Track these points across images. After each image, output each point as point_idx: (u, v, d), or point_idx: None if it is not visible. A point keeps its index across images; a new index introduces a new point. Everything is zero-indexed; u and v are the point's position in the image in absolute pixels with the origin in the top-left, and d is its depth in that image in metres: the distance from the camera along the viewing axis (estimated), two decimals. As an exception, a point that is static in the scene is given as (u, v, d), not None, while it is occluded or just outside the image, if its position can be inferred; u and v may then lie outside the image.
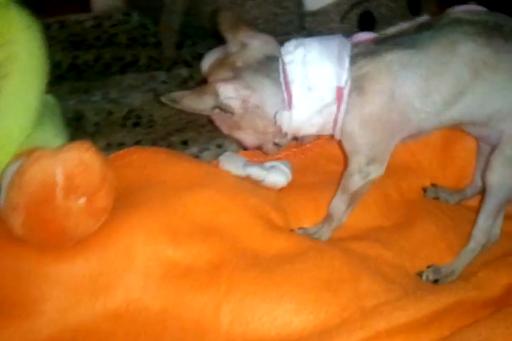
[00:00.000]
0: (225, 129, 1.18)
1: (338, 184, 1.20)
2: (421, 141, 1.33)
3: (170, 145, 1.45)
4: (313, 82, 1.05)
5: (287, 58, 1.08)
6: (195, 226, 1.12)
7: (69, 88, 1.70)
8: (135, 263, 1.05)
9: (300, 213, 1.25)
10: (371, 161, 1.10)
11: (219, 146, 1.44)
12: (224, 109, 1.08)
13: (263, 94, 1.08)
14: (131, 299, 1.03)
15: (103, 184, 0.99)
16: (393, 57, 1.03)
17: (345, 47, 1.07)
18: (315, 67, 1.06)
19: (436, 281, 1.15)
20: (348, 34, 1.73)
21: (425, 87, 1.04)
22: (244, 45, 1.11)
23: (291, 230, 1.21)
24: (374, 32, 1.19)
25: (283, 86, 1.07)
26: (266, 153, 1.25)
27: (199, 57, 1.76)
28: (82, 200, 0.98)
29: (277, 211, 1.21)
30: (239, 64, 1.09)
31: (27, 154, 0.98)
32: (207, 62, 1.69)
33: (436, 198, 1.36)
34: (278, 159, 1.34)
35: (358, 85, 1.04)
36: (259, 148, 1.23)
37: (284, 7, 1.79)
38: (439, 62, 1.03)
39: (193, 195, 1.16)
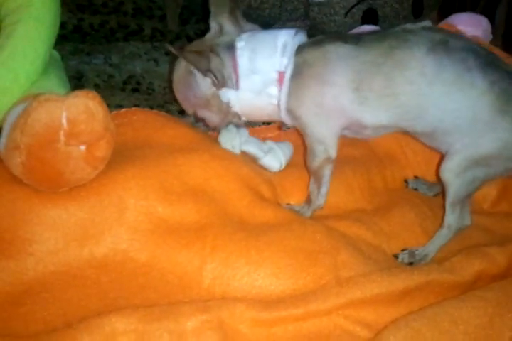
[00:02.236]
0: (191, 106, 1.26)
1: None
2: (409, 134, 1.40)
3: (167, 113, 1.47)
4: (256, 66, 1.18)
5: (239, 44, 1.20)
6: (186, 187, 1.15)
7: (72, 48, 1.71)
8: (125, 215, 1.07)
9: (288, 189, 1.29)
10: (318, 143, 1.18)
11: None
12: (215, 75, 1.18)
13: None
14: (118, 249, 1.05)
15: (104, 134, 1.01)
16: (331, 48, 1.14)
17: (292, 38, 1.18)
18: (260, 52, 1.18)
19: (410, 264, 1.20)
20: (350, 28, 1.78)
21: (357, 80, 1.11)
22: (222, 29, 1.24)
23: (279, 204, 1.25)
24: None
25: (232, 72, 1.19)
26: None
27: (202, 34, 1.80)
28: (82, 147, 1.00)
29: (267, 184, 1.24)
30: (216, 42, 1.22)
31: (33, 98, 1.00)
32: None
33: (417, 189, 1.41)
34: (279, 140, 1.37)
35: (298, 70, 1.15)
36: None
37: (290, -5, 1.82)
38: (374, 61, 1.10)
39: (187, 158, 1.19)
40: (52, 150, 0.97)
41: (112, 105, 1.46)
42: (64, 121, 0.96)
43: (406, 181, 1.42)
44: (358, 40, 1.15)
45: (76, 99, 0.97)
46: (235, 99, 1.21)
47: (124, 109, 1.28)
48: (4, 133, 1.03)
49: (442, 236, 1.22)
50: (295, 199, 1.28)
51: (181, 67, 1.22)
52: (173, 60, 1.30)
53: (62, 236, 1.03)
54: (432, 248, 1.22)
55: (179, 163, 1.17)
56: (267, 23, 1.23)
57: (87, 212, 1.05)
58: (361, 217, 1.27)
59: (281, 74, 1.16)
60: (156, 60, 1.74)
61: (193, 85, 1.21)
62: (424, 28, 1.14)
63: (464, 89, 1.09)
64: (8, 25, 1.12)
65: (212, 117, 1.26)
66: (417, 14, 1.88)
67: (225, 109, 1.24)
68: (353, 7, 1.78)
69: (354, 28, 1.73)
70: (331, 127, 1.18)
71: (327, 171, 1.22)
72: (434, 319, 1.00)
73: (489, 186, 1.32)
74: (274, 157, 1.29)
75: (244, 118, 1.28)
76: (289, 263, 1.08)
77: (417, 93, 1.10)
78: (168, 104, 1.54)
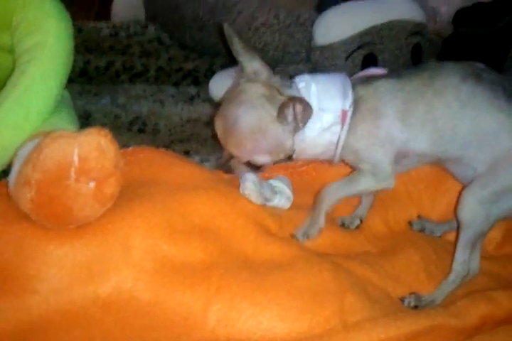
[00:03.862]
0: (253, 153, 1.22)
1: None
2: (414, 172, 1.41)
3: (172, 154, 1.49)
4: (324, 104, 1.21)
5: (301, 85, 1.23)
6: (192, 226, 1.15)
7: (79, 89, 1.75)
8: (131, 254, 1.06)
9: (295, 220, 1.29)
10: (379, 169, 1.24)
11: (220, 158, 1.49)
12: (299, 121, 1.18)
13: None
14: (122, 288, 1.04)
15: (115, 171, 1.02)
16: (380, 84, 1.25)
17: (346, 79, 1.26)
18: (325, 92, 1.23)
19: (416, 307, 1.19)
20: (351, 71, 1.83)
21: (403, 109, 1.22)
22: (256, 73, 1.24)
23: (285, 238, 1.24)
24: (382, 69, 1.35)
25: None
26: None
27: (210, 75, 1.85)
28: (92, 184, 1.00)
29: (273, 218, 1.25)
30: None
31: (45, 134, 1.01)
32: (216, 84, 1.78)
33: (422, 230, 1.42)
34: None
35: (355, 107, 1.22)
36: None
37: (295, 38, 1.88)
38: (417, 90, 1.22)
39: (193, 196, 1.19)
40: (63, 187, 0.97)
41: (119, 145, 1.48)
42: (75, 158, 0.96)
43: (410, 223, 1.42)
44: (398, 75, 1.26)
45: (88, 137, 0.99)
46: (301, 136, 1.21)
47: (131, 147, 1.29)
48: (15, 168, 1.04)
49: (449, 283, 1.22)
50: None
51: (267, 117, 1.18)
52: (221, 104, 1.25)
53: (68, 274, 1.02)
54: (439, 294, 1.21)
55: (185, 201, 1.17)
56: (270, 65, 1.26)
57: (93, 251, 1.04)
58: (367, 259, 1.27)
59: (343, 113, 1.21)
60: (161, 102, 1.78)
61: (279, 134, 1.19)
62: (455, 62, 1.26)
63: (490, 113, 1.19)
64: (23, 64, 1.14)
65: (269, 161, 1.25)
66: (416, 60, 1.94)
67: (287, 152, 1.24)
68: (354, 51, 1.83)
69: (355, 71, 1.77)
70: (386, 155, 1.24)
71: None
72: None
73: (494, 229, 1.32)
74: (284, 196, 1.31)
75: (294, 157, 1.28)
76: (295, 305, 1.07)
77: (452, 117, 1.20)
78: (174, 145, 1.56)
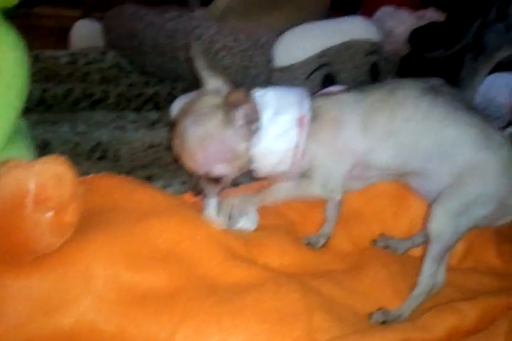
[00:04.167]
0: (209, 163, 1.20)
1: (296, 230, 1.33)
2: (377, 189, 1.43)
3: (134, 180, 1.47)
4: (280, 109, 1.23)
5: (258, 93, 1.24)
6: (155, 252, 1.13)
7: (37, 118, 1.72)
8: (92, 285, 1.04)
9: (264, 248, 1.28)
10: (324, 181, 1.25)
11: (183, 183, 1.48)
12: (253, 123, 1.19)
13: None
14: (85, 319, 1.01)
15: (73, 200, 1.00)
16: (341, 95, 1.28)
17: (304, 90, 1.29)
18: (281, 98, 1.25)
19: (384, 322, 1.19)
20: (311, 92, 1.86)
21: (365, 120, 1.24)
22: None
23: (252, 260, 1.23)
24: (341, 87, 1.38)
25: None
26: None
27: (171, 100, 1.85)
28: (50, 214, 0.98)
29: (239, 240, 1.24)
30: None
31: (1, 164, 0.99)
32: (177, 108, 1.78)
33: (386, 247, 1.43)
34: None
35: (315, 115, 1.24)
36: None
37: (255, 61, 1.91)
38: (379, 102, 1.24)
39: (156, 222, 1.18)
40: (19, 217, 0.95)
41: (79, 173, 1.46)
42: (32, 186, 0.95)
43: (374, 241, 1.44)
44: (360, 88, 1.29)
45: (45, 165, 0.97)
46: (256, 142, 1.20)
47: (91, 175, 1.27)
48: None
49: (416, 296, 1.22)
50: (272, 257, 1.27)
51: (212, 122, 1.17)
52: (176, 120, 1.23)
53: (27, 308, 0.99)
54: (406, 308, 1.22)
55: (148, 228, 1.16)
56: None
57: (53, 283, 1.02)
58: (335, 276, 1.27)
59: (301, 118, 1.22)
60: (122, 128, 1.76)
61: (228, 139, 1.18)
62: (414, 78, 1.29)
63: (452, 125, 1.21)
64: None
65: (227, 173, 1.22)
66: (374, 79, 1.98)
67: (245, 160, 1.22)
68: (313, 72, 1.87)
69: (315, 91, 1.81)
70: (341, 167, 1.25)
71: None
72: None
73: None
74: (249, 219, 1.30)
75: (251, 166, 1.26)
76: (263, 328, 1.06)
77: (413, 129, 1.22)
78: (136, 171, 1.54)
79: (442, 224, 1.19)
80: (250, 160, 1.22)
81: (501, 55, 1.75)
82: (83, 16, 2.96)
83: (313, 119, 1.23)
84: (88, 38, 2.33)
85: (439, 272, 1.25)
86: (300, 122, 1.22)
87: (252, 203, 1.28)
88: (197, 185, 1.24)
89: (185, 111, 1.21)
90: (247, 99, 1.15)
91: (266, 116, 1.20)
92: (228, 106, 1.15)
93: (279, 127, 1.21)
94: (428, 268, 1.21)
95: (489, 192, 1.18)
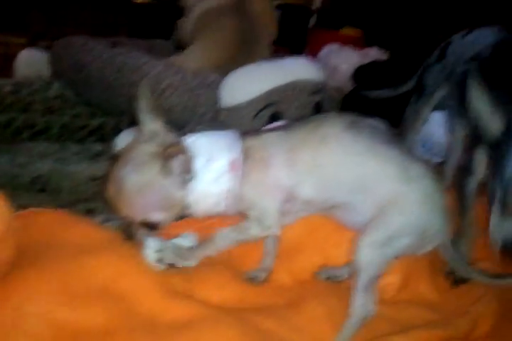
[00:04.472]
0: (147, 211, 1.22)
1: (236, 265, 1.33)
2: (319, 219, 1.44)
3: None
4: (212, 155, 1.26)
5: (189, 140, 1.28)
6: (92, 289, 1.12)
7: (-26, 150, 1.68)
8: (25, 323, 1.02)
9: (203, 283, 1.29)
10: (260, 219, 1.28)
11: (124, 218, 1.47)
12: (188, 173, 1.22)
13: None
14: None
15: (7, 235, 0.98)
16: (267, 135, 1.33)
17: (235, 133, 1.33)
18: (212, 143, 1.29)
19: (322, 358, 1.20)
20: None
21: (290, 157, 1.28)
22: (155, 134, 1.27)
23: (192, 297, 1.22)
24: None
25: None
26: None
27: (116, 132, 1.85)
28: (-18, 250, 0.96)
29: (180, 276, 1.24)
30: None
31: None
32: (122, 141, 1.78)
33: (328, 278, 1.44)
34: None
35: (246, 156, 1.28)
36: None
37: (202, 100, 1.94)
38: (303, 138, 1.29)
39: (93, 258, 1.16)
40: None
41: (18, 206, 1.43)
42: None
43: (316, 273, 1.45)
44: (286, 127, 1.35)
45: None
46: (190, 189, 1.24)
47: (28, 209, 1.25)
48: None
49: (349, 326, 1.24)
50: (215, 292, 1.27)
51: (151, 172, 1.20)
52: (113, 165, 1.24)
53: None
54: (340, 338, 1.23)
55: (85, 265, 1.14)
56: (177, 125, 1.29)
57: (-18, 322, 0.98)
58: (275, 311, 1.28)
59: (233, 162, 1.27)
60: (64, 160, 1.74)
61: (166, 188, 1.21)
62: (338, 113, 1.39)
63: (372, 159, 1.26)
64: None
65: (163, 219, 1.24)
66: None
67: (181, 206, 1.26)
68: (260, 111, 1.91)
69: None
70: (273, 203, 1.29)
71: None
72: None
73: (392, 275, 1.39)
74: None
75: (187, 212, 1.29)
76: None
77: (336, 163, 1.28)
78: (77, 204, 1.52)
79: (368, 255, 1.23)
80: (186, 207, 1.26)
81: (440, 94, 1.86)
82: (29, 44, 2.94)
83: (244, 161, 1.28)
84: (33, 66, 2.30)
85: (370, 300, 1.26)
86: (232, 166, 1.26)
87: (194, 258, 1.28)
88: (129, 229, 1.25)
89: (121, 158, 1.23)
90: (183, 150, 1.20)
91: (199, 163, 1.24)
92: (166, 158, 1.19)
93: (212, 173, 1.25)
94: (359, 298, 1.24)
95: (410, 222, 1.24)
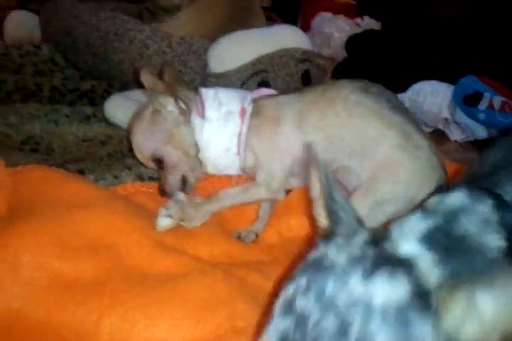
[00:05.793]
0: (151, 146, 1.35)
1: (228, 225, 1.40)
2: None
3: (66, 173, 1.47)
4: (223, 100, 1.36)
5: (202, 90, 1.38)
6: (84, 242, 1.16)
7: (-33, 109, 1.69)
8: (19, 273, 1.06)
9: (193, 239, 1.33)
10: (269, 177, 1.33)
11: (115, 177, 1.50)
12: (183, 101, 1.33)
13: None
14: (12, 307, 1.02)
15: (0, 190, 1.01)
16: (281, 97, 1.40)
17: (247, 92, 1.43)
18: (225, 93, 1.39)
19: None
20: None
21: (299, 118, 1.33)
22: None
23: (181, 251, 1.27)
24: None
25: (198, 103, 1.35)
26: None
27: (107, 97, 1.86)
28: (-24, 202, 0.99)
29: (169, 231, 1.28)
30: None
31: None
32: (112, 105, 1.80)
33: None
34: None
35: (257, 110, 1.36)
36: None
37: (190, 67, 1.93)
38: (311, 101, 1.34)
39: (85, 212, 1.20)
40: None
41: (9, 164, 1.45)
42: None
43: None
44: (297, 91, 1.41)
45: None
46: (200, 129, 1.34)
47: (20, 166, 1.27)
48: None
49: None
50: (203, 248, 1.31)
51: (146, 112, 1.35)
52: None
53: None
54: None
55: (77, 219, 1.18)
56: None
57: (-22, 271, 1.02)
58: (261, 267, 1.32)
59: (243, 110, 1.34)
60: (55, 121, 1.76)
61: (159, 120, 1.34)
62: (346, 80, 1.40)
63: (374, 122, 1.28)
64: None
65: (172, 155, 1.35)
66: (305, 85, 2.04)
67: (187, 143, 1.35)
68: (248, 79, 1.91)
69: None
70: (282, 166, 1.34)
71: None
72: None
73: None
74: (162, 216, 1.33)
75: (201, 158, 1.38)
76: (187, 315, 1.10)
77: (340, 124, 1.30)
78: (68, 164, 1.54)
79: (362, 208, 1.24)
80: (196, 147, 1.35)
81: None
82: (18, 7, 2.90)
83: (254, 115, 1.35)
84: (23, 29, 2.28)
85: None
86: (241, 113, 1.33)
87: (198, 213, 1.34)
88: (162, 184, 1.38)
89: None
90: (175, 89, 1.32)
91: (209, 106, 1.33)
92: (154, 95, 1.31)
93: (222, 116, 1.33)
94: None
95: (400, 191, 1.25)
